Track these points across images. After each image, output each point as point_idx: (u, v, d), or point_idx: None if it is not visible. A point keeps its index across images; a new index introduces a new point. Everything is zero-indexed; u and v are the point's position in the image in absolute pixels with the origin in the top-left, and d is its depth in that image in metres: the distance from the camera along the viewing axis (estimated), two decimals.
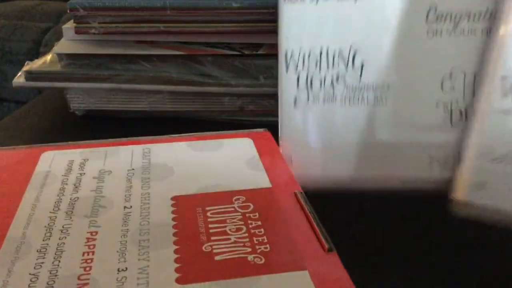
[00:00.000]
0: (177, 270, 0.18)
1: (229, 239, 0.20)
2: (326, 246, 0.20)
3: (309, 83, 0.26)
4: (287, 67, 0.27)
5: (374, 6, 0.26)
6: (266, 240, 0.20)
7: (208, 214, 0.22)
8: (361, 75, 0.26)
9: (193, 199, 0.23)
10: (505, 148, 0.24)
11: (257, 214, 0.22)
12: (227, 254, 0.19)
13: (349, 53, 0.26)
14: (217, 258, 0.19)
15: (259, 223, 0.21)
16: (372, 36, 0.26)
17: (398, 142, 0.26)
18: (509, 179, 0.24)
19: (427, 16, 0.25)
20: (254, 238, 0.20)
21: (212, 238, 0.20)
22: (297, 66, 0.26)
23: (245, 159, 0.26)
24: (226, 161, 0.26)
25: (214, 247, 0.20)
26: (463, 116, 0.26)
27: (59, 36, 0.41)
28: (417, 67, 0.26)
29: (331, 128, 0.27)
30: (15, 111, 0.45)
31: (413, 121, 0.26)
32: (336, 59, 0.26)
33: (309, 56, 0.26)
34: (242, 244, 0.20)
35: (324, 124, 0.27)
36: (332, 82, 0.26)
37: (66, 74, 0.39)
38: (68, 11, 0.38)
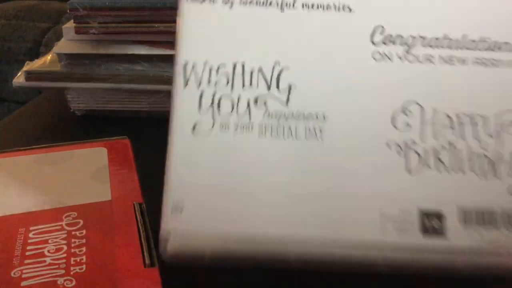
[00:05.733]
0: None
1: (45, 261, 0.20)
2: (147, 261, 0.20)
3: (216, 105, 0.20)
4: (185, 82, 0.20)
5: (305, 19, 0.21)
6: (84, 260, 0.20)
7: (30, 234, 0.21)
8: (288, 100, 0.20)
9: (18, 219, 0.22)
10: None
11: (84, 231, 0.21)
12: (36, 278, 0.19)
13: (272, 71, 0.20)
14: (23, 283, 0.19)
15: (83, 241, 0.21)
16: (303, 54, 0.21)
17: (336, 193, 0.19)
18: None
19: (372, 37, 0.21)
20: (72, 259, 0.20)
21: (26, 261, 0.20)
22: (200, 82, 0.20)
23: (91, 170, 0.25)
24: (70, 174, 0.25)
25: (24, 271, 0.19)
26: (422, 161, 0.20)
27: (59, 36, 0.41)
28: (362, 97, 0.20)
29: (243, 167, 0.19)
30: (15, 111, 0.45)
31: (356, 165, 0.19)
32: (255, 77, 0.20)
33: (217, 71, 0.20)
34: (56, 266, 0.20)
35: (233, 161, 0.20)
36: (248, 106, 0.20)
37: (66, 74, 0.39)
38: (68, 11, 0.38)
